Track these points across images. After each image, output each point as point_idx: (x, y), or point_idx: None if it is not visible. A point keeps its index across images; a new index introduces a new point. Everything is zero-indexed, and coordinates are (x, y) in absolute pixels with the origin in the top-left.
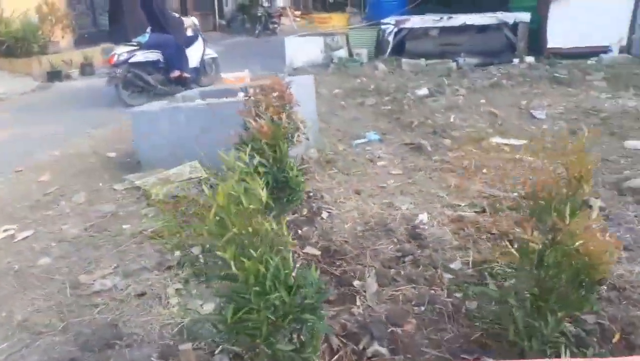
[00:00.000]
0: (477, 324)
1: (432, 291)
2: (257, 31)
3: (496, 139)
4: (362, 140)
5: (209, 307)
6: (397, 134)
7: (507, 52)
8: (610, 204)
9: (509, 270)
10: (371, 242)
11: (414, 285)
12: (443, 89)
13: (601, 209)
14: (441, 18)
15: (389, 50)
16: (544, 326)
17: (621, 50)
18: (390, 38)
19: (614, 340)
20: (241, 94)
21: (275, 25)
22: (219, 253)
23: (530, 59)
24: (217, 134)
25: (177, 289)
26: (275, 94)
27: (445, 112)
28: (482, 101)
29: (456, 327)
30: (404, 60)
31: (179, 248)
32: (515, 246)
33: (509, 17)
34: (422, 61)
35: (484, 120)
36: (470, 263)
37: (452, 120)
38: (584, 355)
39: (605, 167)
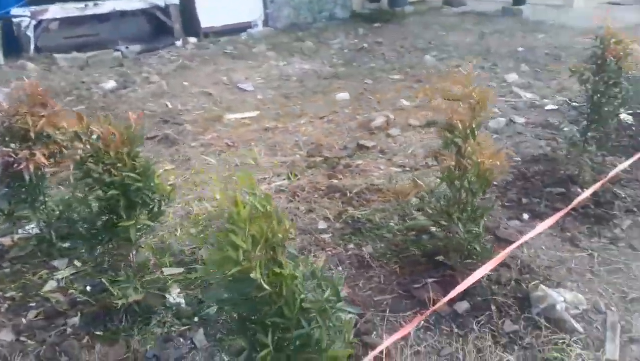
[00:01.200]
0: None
1: None
2: None
3: (232, 115)
4: None
5: None
6: None
7: (166, 36)
8: None
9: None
10: None
11: None
12: (132, 79)
13: None
14: (86, 5)
15: (32, 47)
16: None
17: (264, 24)
18: (30, 33)
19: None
20: None
21: None
22: None
23: (193, 39)
24: None
25: None
26: None
27: (156, 100)
28: (185, 83)
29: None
30: (58, 56)
31: None
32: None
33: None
34: (83, 54)
35: (204, 101)
36: None
37: (170, 106)
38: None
39: None
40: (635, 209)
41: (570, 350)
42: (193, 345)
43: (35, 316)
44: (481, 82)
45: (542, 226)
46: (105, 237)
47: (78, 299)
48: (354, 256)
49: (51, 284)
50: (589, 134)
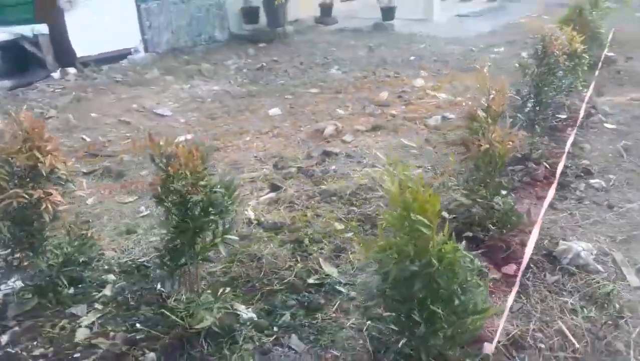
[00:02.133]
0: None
1: None
2: None
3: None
4: None
5: None
6: None
7: (38, 68)
8: None
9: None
10: None
11: None
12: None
13: None
14: None
15: None
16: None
17: (145, 50)
18: None
19: None
20: None
21: None
22: None
23: (72, 70)
24: None
25: None
26: None
27: (68, 135)
28: (93, 114)
29: None
30: None
31: None
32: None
33: (26, 30)
34: None
35: (125, 130)
36: None
37: (89, 140)
38: None
39: None
40: (582, 174)
41: (605, 285)
42: (294, 351)
43: None
44: (397, 88)
45: (551, 193)
46: (184, 261)
47: (137, 337)
48: None
49: (83, 332)
50: (536, 118)
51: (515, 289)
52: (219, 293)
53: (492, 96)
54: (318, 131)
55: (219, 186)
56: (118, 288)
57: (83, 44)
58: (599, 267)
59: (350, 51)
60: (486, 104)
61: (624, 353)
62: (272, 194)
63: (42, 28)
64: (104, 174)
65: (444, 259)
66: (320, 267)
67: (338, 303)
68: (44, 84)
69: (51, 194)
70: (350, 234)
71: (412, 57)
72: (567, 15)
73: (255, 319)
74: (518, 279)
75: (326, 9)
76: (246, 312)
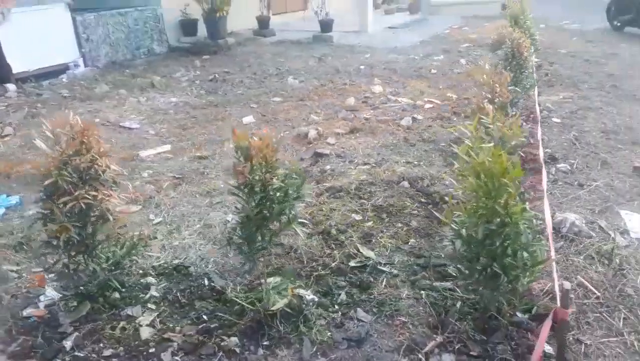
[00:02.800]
0: None
1: None
2: None
3: (145, 152)
4: None
5: None
6: None
7: None
8: None
9: None
10: None
11: None
12: None
13: None
14: None
15: None
16: None
17: (92, 64)
18: None
19: None
20: None
21: None
22: None
23: (11, 86)
24: None
25: None
26: None
27: (35, 152)
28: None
29: None
30: None
31: None
32: None
33: None
34: None
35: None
36: None
37: None
38: None
39: None
40: (549, 160)
41: (603, 245)
42: (362, 321)
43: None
44: (358, 94)
45: (544, 180)
46: (261, 245)
47: (212, 325)
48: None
49: (147, 330)
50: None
51: None
52: (281, 278)
53: (496, 88)
54: (300, 135)
55: (293, 175)
56: (165, 289)
57: (20, 60)
58: (591, 233)
59: (300, 62)
60: (491, 96)
61: (635, 296)
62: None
63: None
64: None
65: (514, 218)
66: (359, 251)
67: (385, 280)
68: None
69: (111, 195)
70: (370, 223)
71: (362, 66)
72: (504, 24)
73: (316, 300)
74: None
75: (263, 22)
76: (308, 294)
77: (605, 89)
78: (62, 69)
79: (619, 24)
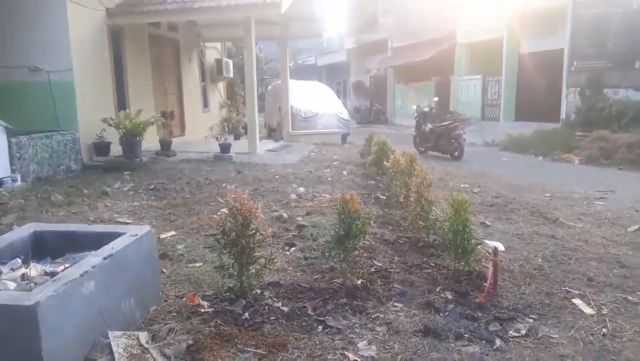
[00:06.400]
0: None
1: None
2: None
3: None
4: None
5: None
6: None
7: None
8: None
9: None
10: None
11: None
12: None
13: None
14: None
15: None
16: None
17: (22, 179)
18: None
19: None
20: None
21: None
22: None
23: None
24: None
25: None
26: None
27: None
28: None
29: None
30: None
31: None
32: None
33: None
34: None
35: None
36: None
37: None
38: None
39: None
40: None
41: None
42: (404, 291)
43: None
44: (292, 194)
45: None
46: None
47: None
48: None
49: None
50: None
51: None
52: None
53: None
54: (276, 218)
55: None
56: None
57: None
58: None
59: (221, 174)
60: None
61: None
62: (293, 248)
63: None
64: None
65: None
66: None
67: None
68: None
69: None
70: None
71: (276, 176)
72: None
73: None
74: None
75: (166, 144)
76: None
77: None
78: None
79: (423, 150)
